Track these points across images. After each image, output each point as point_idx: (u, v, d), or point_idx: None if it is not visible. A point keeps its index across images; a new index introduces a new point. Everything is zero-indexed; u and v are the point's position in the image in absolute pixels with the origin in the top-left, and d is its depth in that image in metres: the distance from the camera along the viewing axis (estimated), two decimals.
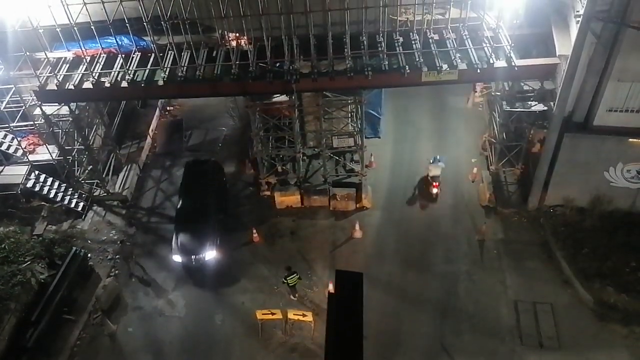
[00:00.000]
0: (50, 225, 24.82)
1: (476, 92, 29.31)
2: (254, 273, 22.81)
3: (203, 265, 22.57)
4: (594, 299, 20.40)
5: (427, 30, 21.99)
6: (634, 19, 17.74)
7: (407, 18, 22.34)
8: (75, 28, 20.36)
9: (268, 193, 25.71)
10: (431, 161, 24.84)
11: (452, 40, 21.74)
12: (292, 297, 21.60)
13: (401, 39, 22.18)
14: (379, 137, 28.20)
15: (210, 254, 22.49)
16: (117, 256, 23.77)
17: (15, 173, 24.25)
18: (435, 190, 24.71)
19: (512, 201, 24.52)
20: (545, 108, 21.84)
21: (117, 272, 23.23)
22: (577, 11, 19.25)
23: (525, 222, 23.77)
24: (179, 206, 23.79)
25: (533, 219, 23.70)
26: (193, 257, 22.41)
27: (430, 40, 21.91)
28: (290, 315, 20.10)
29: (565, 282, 21.36)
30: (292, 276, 20.87)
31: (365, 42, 21.56)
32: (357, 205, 24.93)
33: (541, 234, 23.13)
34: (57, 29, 20.66)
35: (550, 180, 22.79)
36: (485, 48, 21.27)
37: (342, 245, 23.63)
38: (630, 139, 20.83)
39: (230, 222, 24.79)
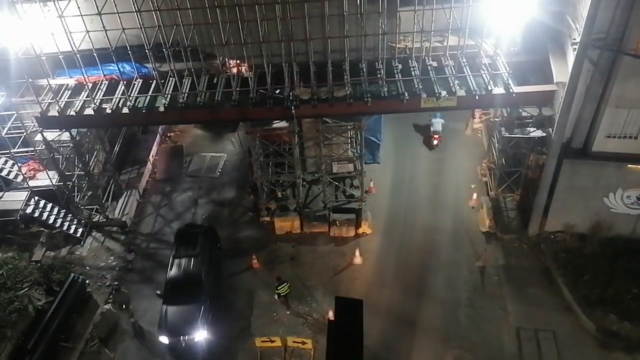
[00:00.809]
0: (48, 251, 24.72)
1: (475, 118, 29.52)
2: (254, 299, 22.61)
3: (193, 347, 20.44)
4: (596, 326, 20.19)
5: (426, 58, 22.26)
6: (630, 46, 17.96)
7: (406, 45, 22.60)
8: (77, 55, 20.62)
9: (268, 219, 25.67)
10: (433, 118, 28.42)
11: (451, 67, 21.96)
12: (287, 310, 21.80)
13: (400, 66, 22.42)
14: (379, 163, 28.30)
15: (201, 335, 20.44)
16: (115, 283, 23.63)
17: (15, 199, 24.23)
18: (435, 142, 28.55)
19: (512, 227, 24.46)
20: (544, 134, 21.96)
21: (115, 299, 23.03)
22: (573, 39, 19.48)
23: (526, 248, 23.67)
24: (168, 276, 21.64)
25: (534, 245, 23.60)
26: (182, 338, 20.26)
27: (429, 67, 22.15)
28: (290, 343, 19.86)
29: (567, 309, 21.17)
30: (282, 285, 21.26)
31: (364, 69, 21.77)
32: (357, 231, 24.87)
33: (542, 260, 23.00)
34: (60, 56, 20.92)
35: (550, 206, 22.76)
36: (484, 75, 21.50)
37: (342, 271, 23.48)
38: (629, 165, 20.88)
39: (230, 249, 24.69)
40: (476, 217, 25.17)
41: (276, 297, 21.82)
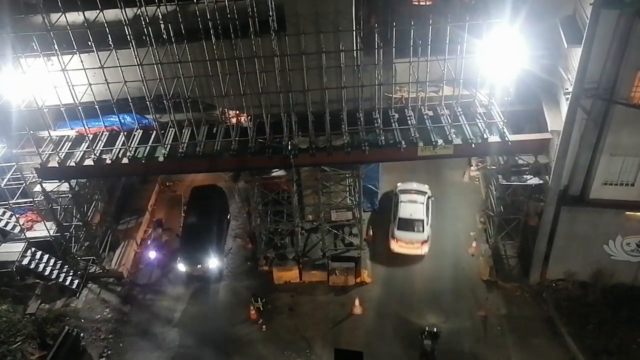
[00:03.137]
0: (43, 304, 24.31)
1: (472, 166, 29.73)
2: (251, 352, 22.11)
3: None
4: None
5: (422, 107, 22.65)
6: (622, 95, 18.32)
7: (402, 95, 23.07)
8: (79, 107, 20.91)
9: (266, 268, 25.43)
10: None
11: (447, 116, 22.32)
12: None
13: (397, 115, 22.78)
14: (377, 211, 28.25)
15: None
16: (110, 336, 23.14)
17: (12, 250, 24.04)
18: None
19: (513, 275, 24.22)
20: (541, 181, 22.08)
21: (109, 352, 22.51)
22: (566, 89, 19.88)
23: (528, 296, 23.36)
24: None
25: (536, 294, 23.30)
26: None
27: (425, 116, 22.51)
28: None
29: None
30: (261, 302, 23.10)
31: (361, 118, 22.11)
32: (357, 280, 24.59)
33: (545, 309, 22.68)
34: (62, 108, 21.23)
35: (551, 254, 22.64)
36: (479, 124, 21.83)
37: (342, 322, 23.07)
38: (627, 212, 20.90)
39: (228, 298, 24.31)
40: (476, 265, 24.95)
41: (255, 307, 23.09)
